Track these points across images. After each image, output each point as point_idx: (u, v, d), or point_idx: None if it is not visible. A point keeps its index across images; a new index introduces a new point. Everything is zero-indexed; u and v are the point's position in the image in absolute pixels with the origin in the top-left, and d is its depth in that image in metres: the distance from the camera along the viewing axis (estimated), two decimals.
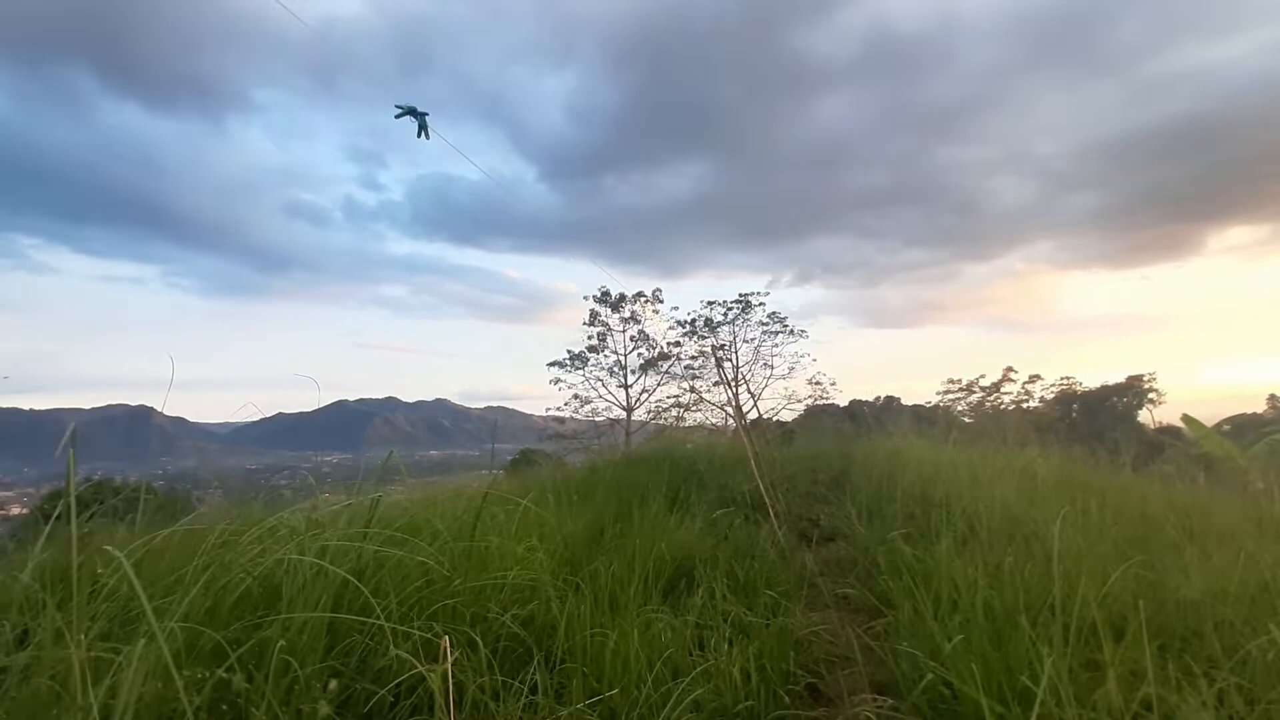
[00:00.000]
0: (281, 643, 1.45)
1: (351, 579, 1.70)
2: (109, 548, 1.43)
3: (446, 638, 1.50)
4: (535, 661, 2.06)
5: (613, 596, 2.67)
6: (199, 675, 1.29)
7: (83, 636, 1.22)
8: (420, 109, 3.29)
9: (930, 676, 2.16)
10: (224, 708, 1.34)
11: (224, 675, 1.32)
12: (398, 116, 3.25)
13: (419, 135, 3.29)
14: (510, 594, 2.49)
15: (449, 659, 1.51)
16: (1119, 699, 1.72)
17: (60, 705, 1.17)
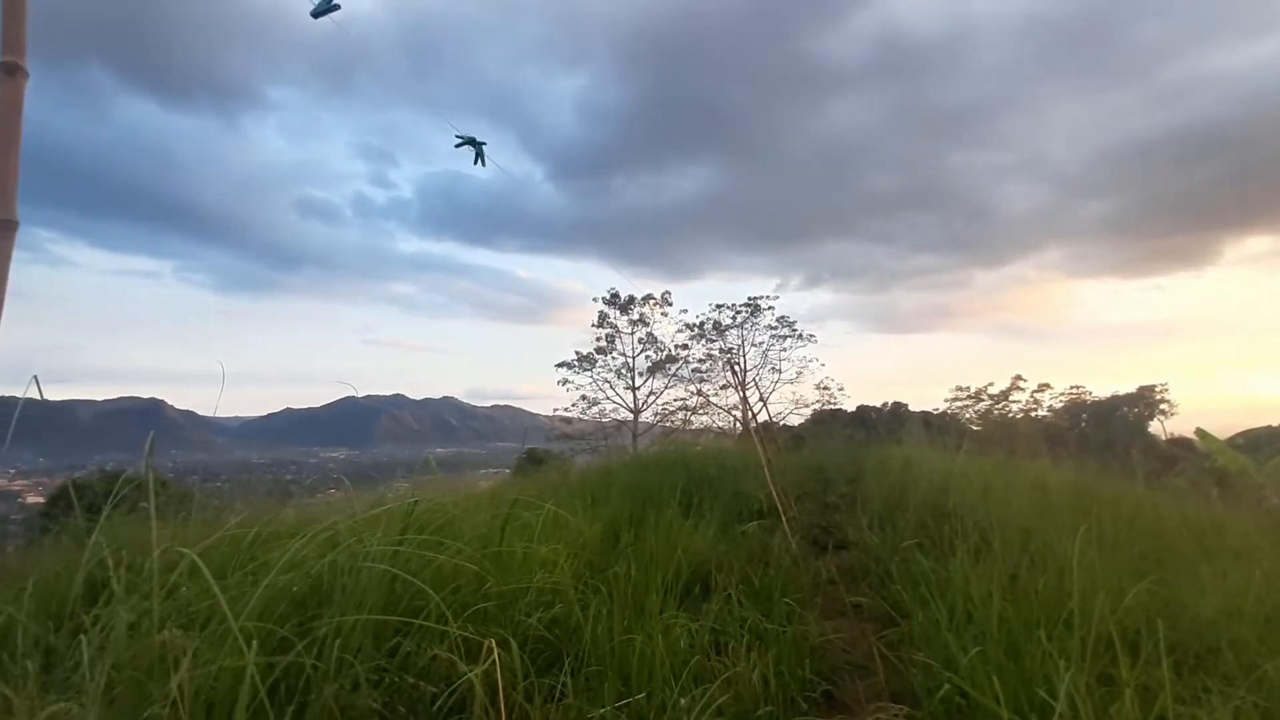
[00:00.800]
0: (337, 641, 1.52)
1: (403, 574, 1.77)
2: (183, 549, 1.51)
3: (491, 640, 1.57)
4: (565, 664, 2.13)
5: (637, 601, 2.73)
6: (268, 661, 1.36)
7: (164, 627, 1.29)
8: (479, 139, 3.43)
9: (947, 687, 2.21)
10: (280, 697, 1.41)
11: (295, 657, 1.39)
12: (458, 146, 3.38)
13: (475, 163, 3.42)
14: (536, 597, 2.55)
15: (489, 659, 1.58)
16: (1135, 715, 1.76)
17: (141, 691, 1.25)
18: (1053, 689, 1.88)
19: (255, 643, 1.27)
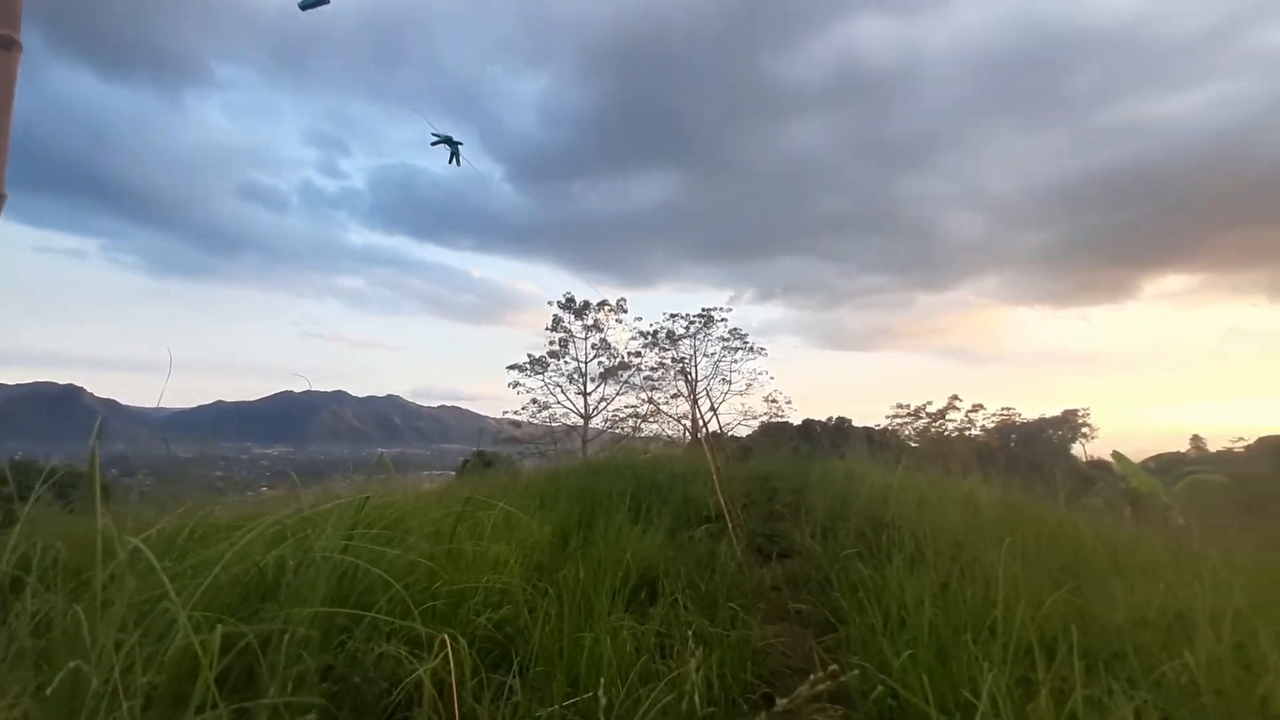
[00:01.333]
0: (285, 636, 1.50)
1: (360, 563, 1.75)
2: (130, 538, 1.46)
3: (444, 635, 1.57)
4: (514, 664, 2.14)
5: (585, 604, 2.76)
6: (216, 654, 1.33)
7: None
8: (455, 138, 3.38)
9: (880, 688, 2.32)
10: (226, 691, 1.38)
11: (237, 656, 1.36)
12: (434, 144, 3.33)
13: (450, 161, 3.37)
14: (485, 597, 2.55)
15: (440, 655, 1.58)
16: (1050, 713, 1.90)
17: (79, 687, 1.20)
18: (977, 689, 2.01)
19: (217, 628, 1.24)
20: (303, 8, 2.87)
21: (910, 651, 2.44)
